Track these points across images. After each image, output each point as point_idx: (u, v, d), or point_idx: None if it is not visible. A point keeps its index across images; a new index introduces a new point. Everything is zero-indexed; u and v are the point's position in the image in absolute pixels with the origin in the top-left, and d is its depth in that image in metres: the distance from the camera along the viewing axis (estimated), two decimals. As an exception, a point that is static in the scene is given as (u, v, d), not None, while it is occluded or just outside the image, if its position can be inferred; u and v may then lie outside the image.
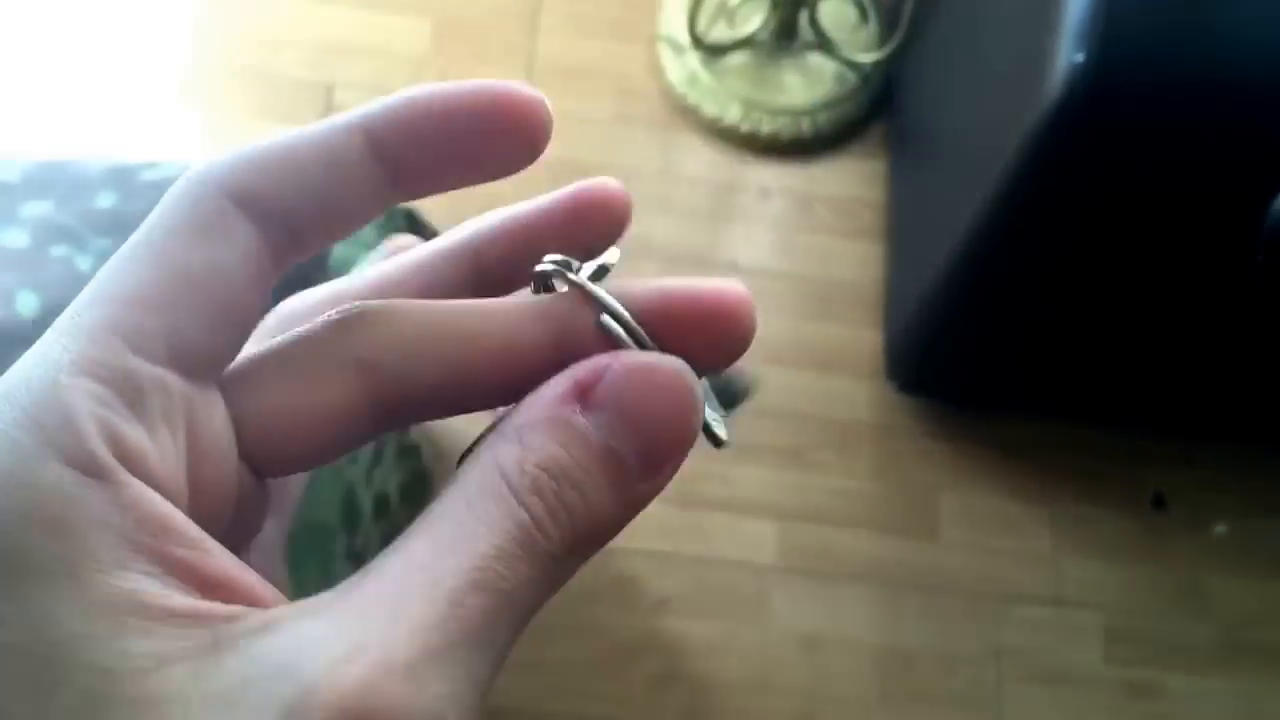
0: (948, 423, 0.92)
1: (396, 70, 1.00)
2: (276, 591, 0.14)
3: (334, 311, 0.16)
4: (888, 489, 0.90)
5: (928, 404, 0.93)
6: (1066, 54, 0.59)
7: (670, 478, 0.15)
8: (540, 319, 0.16)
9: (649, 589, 0.85)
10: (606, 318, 0.15)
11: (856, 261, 0.98)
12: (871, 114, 1.03)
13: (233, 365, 0.16)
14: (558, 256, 0.16)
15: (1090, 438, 0.93)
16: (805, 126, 1.01)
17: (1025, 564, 0.89)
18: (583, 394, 0.14)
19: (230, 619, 0.13)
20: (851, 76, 1.03)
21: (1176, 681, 0.86)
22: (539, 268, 0.16)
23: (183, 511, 0.14)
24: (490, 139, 0.16)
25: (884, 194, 1.00)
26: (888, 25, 1.02)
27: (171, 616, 0.12)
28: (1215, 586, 0.89)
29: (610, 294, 0.16)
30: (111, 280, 0.14)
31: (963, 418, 0.93)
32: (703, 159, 1.00)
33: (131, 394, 0.14)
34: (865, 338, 0.95)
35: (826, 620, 0.86)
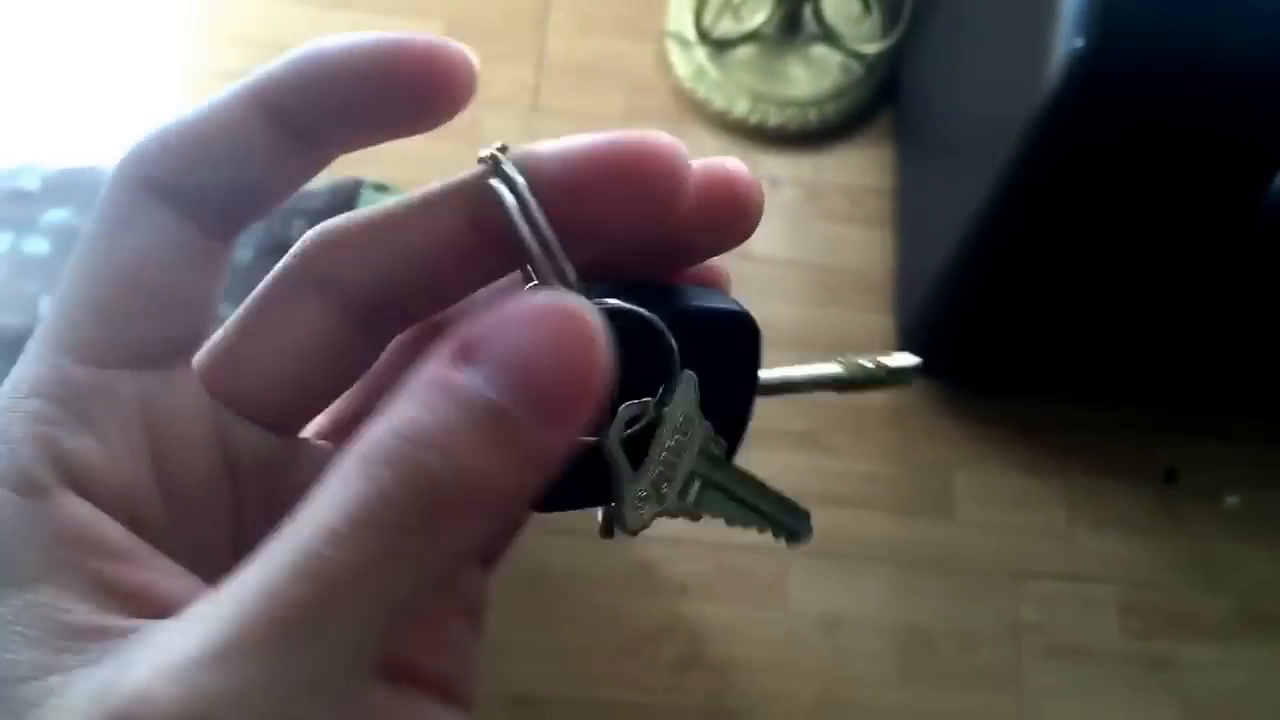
0: (960, 403, 0.93)
1: (409, 74, 1.02)
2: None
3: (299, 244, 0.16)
4: (902, 470, 0.91)
5: (940, 385, 0.93)
6: (1066, 39, 0.60)
7: (584, 427, 0.13)
8: (453, 202, 0.15)
9: (668, 575, 0.86)
10: (502, 192, 0.14)
11: (866, 248, 0.99)
12: (877, 103, 1.04)
13: (214, 338, 0.16)
14: (496, 144, 0.15)
15: (1101, 413, 0.93)
16: (812, 117, 1.02)
17: (1040, 540, 0.90)
18: (467, 350, 0.13)
19: (131, 632, 0.13)
20: (856, 67, 1.04)
21: (1192, 652, 0.87)
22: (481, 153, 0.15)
23: (151, 506, 0.14)
24: (397, 96, 0.15)
25: (891, 181, 1.01)
26: (890, 15, 1.04)
27: (71, 632, 0.13)
28: (1228, 557, 0.90)
29: (524, 162, 0.15)
30: (60, 294, 0.15)
31: (975, 398, 0.94)
32: (712, 151, 1.01)
33: (77, 405, 0.14)
34: (876, 322, 0.96)
35: (845, 601, 0.87)
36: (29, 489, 0.13)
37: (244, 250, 0.58)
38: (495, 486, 0.13)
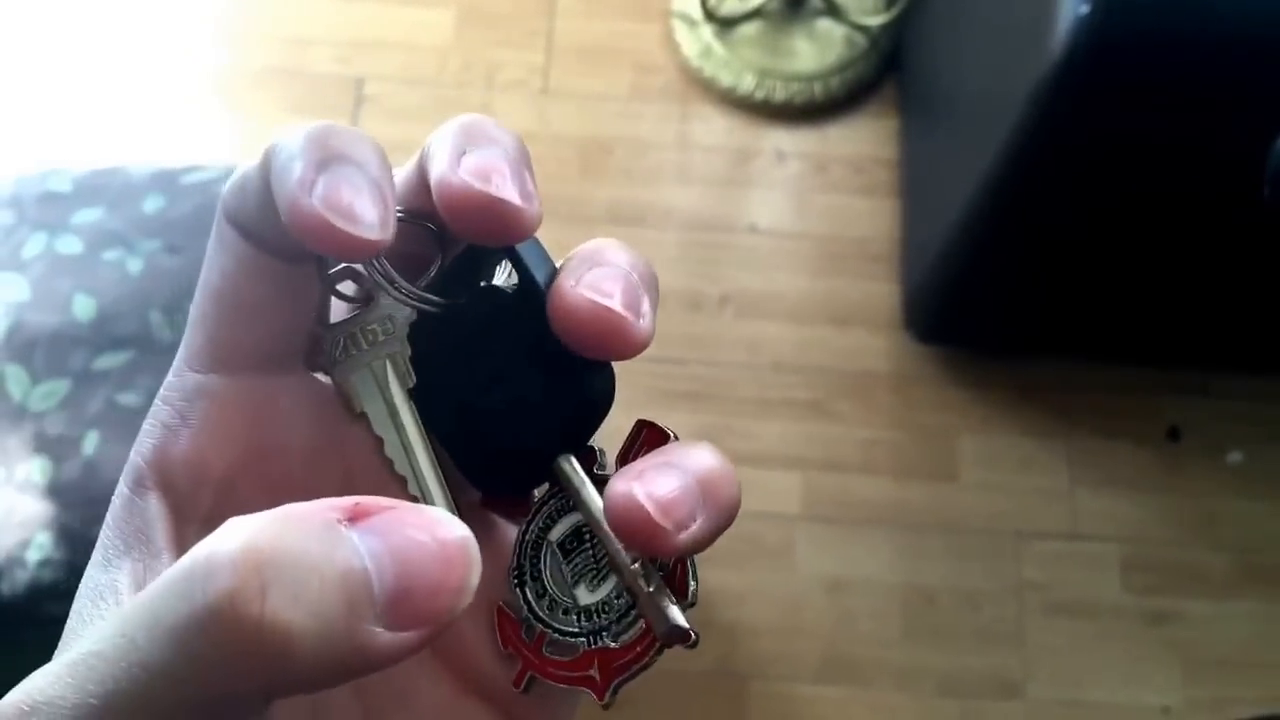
0: (964, 368, 0.94)
1: (424, 61, 1.04)
2: None
3: None
4: (907, 435, 0.92)
5: (944, 351, 0.94)
6: (1071, 6, 0.60)
7: (414, 649, 0.13)
8: None
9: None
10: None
11: (872, 218, 1.00)
12: (882, 75, 1.05)
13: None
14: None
15: (1105, 373, 0.94)
16: (818, 91, 1.03)
17: (1044, 500, 0.91)
18: (356, 513, 0.13)
19: None
20: (861, 40, 1.05)
21: (1194, 607, 0.87)
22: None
23: (247, 479, 0.18)
24: None
25: (897, 151, 1.02)
26: (894, -13, 1.04)
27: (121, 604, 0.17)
28: (1230, 513, 0.90)
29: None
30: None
31: (979, 362, 0.94)
32: (719, 128, 1.03)
33: (184, 405, 0.18)
34: (881, 291, 0.97)
35: (851, 564, 0.88)
36: (136, 485, 0.18)
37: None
38: (339, 655, 0.12)
